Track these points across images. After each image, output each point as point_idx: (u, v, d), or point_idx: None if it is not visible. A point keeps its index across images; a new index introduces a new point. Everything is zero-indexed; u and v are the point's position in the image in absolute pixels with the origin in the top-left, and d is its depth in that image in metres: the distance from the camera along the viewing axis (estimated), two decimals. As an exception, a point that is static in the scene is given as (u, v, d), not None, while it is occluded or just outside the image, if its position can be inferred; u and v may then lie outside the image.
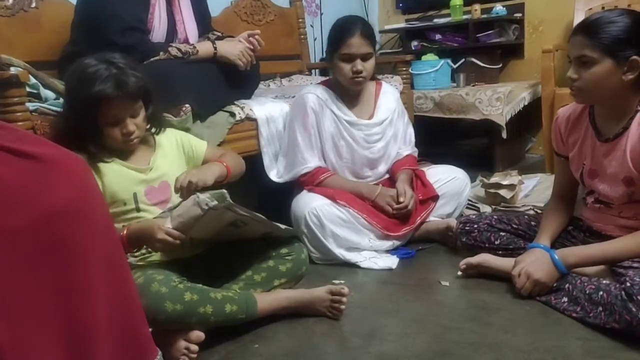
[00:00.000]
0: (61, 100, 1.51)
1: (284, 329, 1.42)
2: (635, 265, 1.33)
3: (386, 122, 2.08)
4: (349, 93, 2.02)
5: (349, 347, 1.33)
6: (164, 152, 1.53)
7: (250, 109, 2.01)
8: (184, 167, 1.55)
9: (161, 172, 1.48)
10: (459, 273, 1.68)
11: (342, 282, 1.64)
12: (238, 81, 1.97)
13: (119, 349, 0.93)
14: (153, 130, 1.52)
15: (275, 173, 2.07)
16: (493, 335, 1.33)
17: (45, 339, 0.84)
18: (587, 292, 1.36)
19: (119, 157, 1.44)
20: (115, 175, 1.41)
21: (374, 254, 1.84)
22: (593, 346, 1.24)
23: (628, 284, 1.24)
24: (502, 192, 2.23)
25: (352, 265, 1.80)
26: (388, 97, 2.11)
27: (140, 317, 1.00)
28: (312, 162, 1.98)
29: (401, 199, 1.90)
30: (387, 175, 2.12)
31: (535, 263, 1.47)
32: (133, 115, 1.39)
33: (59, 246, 0.85)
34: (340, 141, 2.02)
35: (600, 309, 1.31)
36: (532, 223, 1.70)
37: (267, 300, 1.41)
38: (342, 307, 1.44)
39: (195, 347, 1.26)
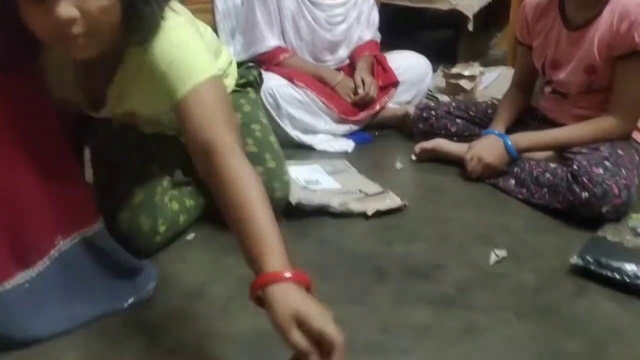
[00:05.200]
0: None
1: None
2: (583, 151, 1.36)
3: (350, 3, 1.98)
4: (312, -31, 1.89)
5: (295, 225, 1.34)
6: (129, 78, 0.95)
7: (205, -21, 1.87)
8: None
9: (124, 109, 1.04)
10: (413, 157, 1.69)
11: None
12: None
13: (59, 218, 0.90)
14: (132, 34, 0.84)
15: (232, 51, 1.97)
16: (441, 211, 1.36)
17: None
18: (535, 174, 1.39)
19: (61, 74, 0.94)
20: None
21: (330, 137, 1.83)
22: (534, 223, 1.29)
23: (575, 167, 1.28)
24: (463, 82, 2.20)
25: (307, 148, 1.79)
26: (354, -24, 1.99)
27: (79, 187, 0.96)
28: (271, 40, 1.88)
29: (360, 91, 1.86)
30: (347, 61, 2.05)
31: (488, 147, 1.49)
32: None
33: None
34: (301, 21, 1.92)
35: (546, 190, 1.35)
36: (489, 111, 1.70)
37: None
38: None
39: None
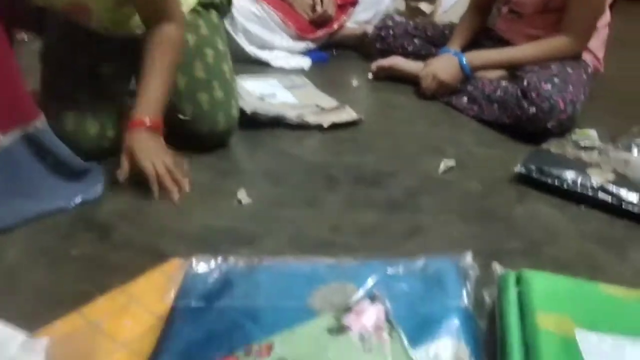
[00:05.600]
0: None
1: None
2: (534, 69, 1.38)
3: None
4: None
5: (252, 135, 1.33)
6: None
7: None
8: None
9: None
10: (370, 76, 1.68)
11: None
12: None
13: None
14: None
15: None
16: (395, 126, 1.38)
17: None
18: (487, 92, 1.41)
19: None
20: None
21: (286, 54, 1.79)
22: (483, 137, 1.33)
23: (525, 83, 1.30)
24: (422, 5, 2.18)
25: (263, 64, 1.75)
26: None
27: (15, 83, 0.91)
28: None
29: (317, 8, 1.81)
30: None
31: (443, 65, 1.50)
32: None
33: None
34: None
35: (496, 106, 1.38)
36: (446, 32, 1.69)
37: None
38: None
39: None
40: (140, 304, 0.68)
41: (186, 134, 1.19)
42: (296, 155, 1.22)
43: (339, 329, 0.61)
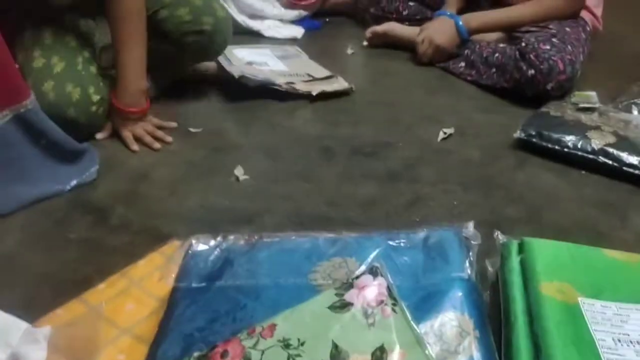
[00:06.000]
0: None
1: (180, 91, 1.37)
2: (532, 29, 1.35)
3: None
4: None
5: (244, 109, 1.31)
6: None
7: None
8: None
9: None
10: (365, 43, 1.65)
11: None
12: None
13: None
14: None
15: None
16: (391, 95, 1.36)
17: None
18: (485, 55, 1.39)
19: None
20: None
21: (278, 23, 1.75)
22: (482, 103, 1.31)
23: (522, 44, 1.27)
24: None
25: (255, 34, 1.71)
26: None
27: (6, 63, 0.88)
28: None
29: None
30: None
31: (439, 29, 1.47)
32: None
33: None
34: None
35: (494, 70, 1.35)
36: (442, -7, 1.65)
37: None
38: None
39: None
40: (141, 287, 0.68)
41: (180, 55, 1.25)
42: (291, 129, 1.20)
43: (342, 306, 0.60)
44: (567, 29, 1.30)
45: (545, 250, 0.64)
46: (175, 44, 1.21)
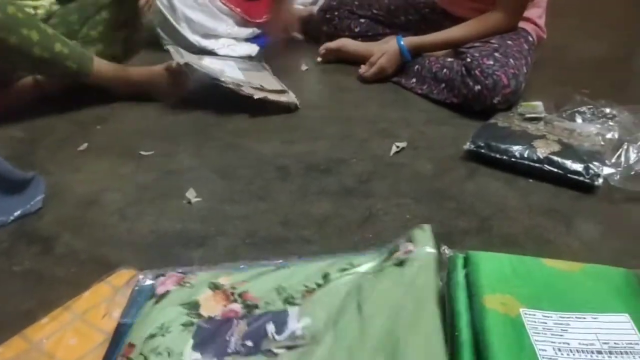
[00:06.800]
0: None
1: (130, 111, 1.35)
2: (476, 44, 1.39)
3: None
4: None
5: (200, 126, 1.30)
6: None
7: None
8: None
9: None
10: (319, 59, 1.67)
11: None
12: None
13: None
14: None
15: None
16: (344, 109, 1.37)
17: None
18: (434, 70, 1.41)
19: None
20: None
21: (232, 41, 1.75)
22: (433, 116, 1.33)
23: (468, 60, 1.30)
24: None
25: (209, 53, 1.70)
26: None
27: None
28: None
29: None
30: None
31: (383, 49, 1.49)
32: None
33: None
34: None
35: (443, 85, 1.38)
36: (392, 7, 1.68)
37: (104, 62, 1.32)
38: (185, 82, 1.38)
39: None
40: (85, 321, 0.66)
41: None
42: (246, 148, 1.20)
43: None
44: (509, 42, 1.34)
45: (489, 263, 0.66)
46: None
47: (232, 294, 0.66)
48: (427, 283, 0.63)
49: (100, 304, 0.69)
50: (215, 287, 0.67)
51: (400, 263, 0.66)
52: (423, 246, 0.68)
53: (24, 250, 0.86)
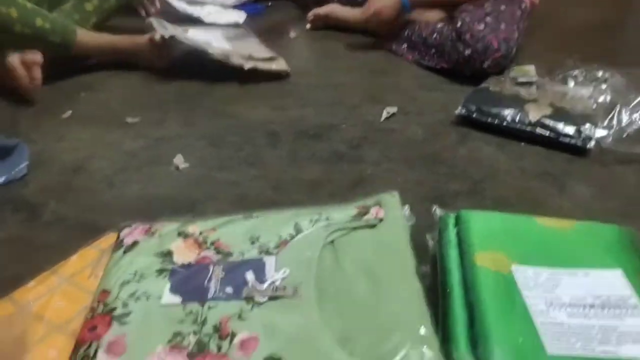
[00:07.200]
0: None
1: (115, 79, 1.32)
2: (469, 9, 1.36)
3: None
4: None
5: (188, 94, 1.27)
6: None
7: None
8: None
9: None
10: (307, 26, 1.64)
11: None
12: None
13: None
14: None
15: None
16: (334, 76, 1.35)
17: None
18: (424, 36, 1.39)
19: None
20: None
21: (219, 8, 1.71)
22: (424, 82, 1.31)
23: (459, 24, 1.28)
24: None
25: (194, 20, 1.67)
26: None
27: None
28: None
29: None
30: None
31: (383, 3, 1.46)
32: None
33: None
34: None
35: (433, 50, 1.36)
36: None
37: (87, 33, 1.29)
38: (169, 54, 1.36)
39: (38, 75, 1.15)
40: (73, 283, 0.65)
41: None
42: (236, 115, 1.18)
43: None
44: (502, 7, 1.32)
45: (480, 222, 0.65)
46: None
47: (205, 241, 0.67)
48: (400, 244, 0.64)
49: (88, 267, 0.68)
50: (185, 235, 0.68)
51: (373, 226, 0.67)
52: (392, 210, 0.70)
53: (9, 217, 0.85)
